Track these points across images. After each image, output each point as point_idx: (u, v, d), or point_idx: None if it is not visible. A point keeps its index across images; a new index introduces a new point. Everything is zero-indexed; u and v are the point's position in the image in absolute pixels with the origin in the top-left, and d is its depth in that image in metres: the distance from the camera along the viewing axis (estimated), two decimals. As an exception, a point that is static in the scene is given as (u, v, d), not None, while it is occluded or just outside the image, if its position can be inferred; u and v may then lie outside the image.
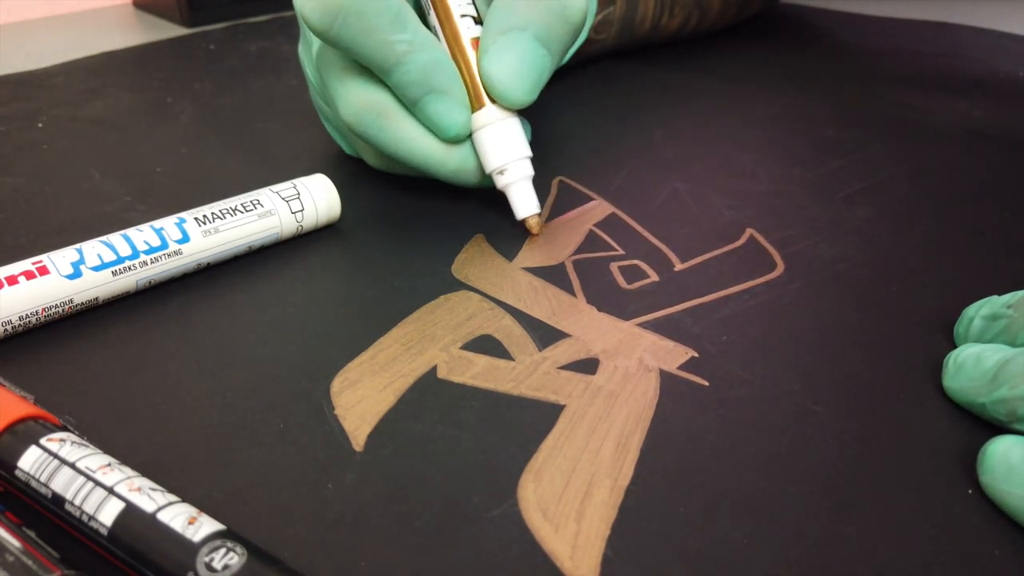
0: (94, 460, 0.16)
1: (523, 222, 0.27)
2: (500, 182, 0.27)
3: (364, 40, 0.24)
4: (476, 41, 0.26)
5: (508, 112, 0.26)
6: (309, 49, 0.30)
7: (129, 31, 0.55)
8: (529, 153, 0.27)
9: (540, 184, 0.32)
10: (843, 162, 0.34)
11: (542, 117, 0.39)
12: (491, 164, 0.26)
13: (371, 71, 0.26)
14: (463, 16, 0.27)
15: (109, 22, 0.57)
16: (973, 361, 0.20)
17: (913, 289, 0.25)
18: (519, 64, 0.25)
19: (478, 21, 0.27)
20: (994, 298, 0.22)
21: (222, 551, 0.15)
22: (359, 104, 0.26)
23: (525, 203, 0.27)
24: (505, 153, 0.26)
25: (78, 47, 0.49)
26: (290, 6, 0.58)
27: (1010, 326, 0.21)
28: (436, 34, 0.27)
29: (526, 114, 0.30)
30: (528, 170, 0.27)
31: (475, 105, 0.26)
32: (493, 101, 0.26)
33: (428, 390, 0.21)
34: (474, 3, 0.27)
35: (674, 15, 0.47)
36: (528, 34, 0.25)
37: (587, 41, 0.43)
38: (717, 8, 0.49)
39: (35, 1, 0.57)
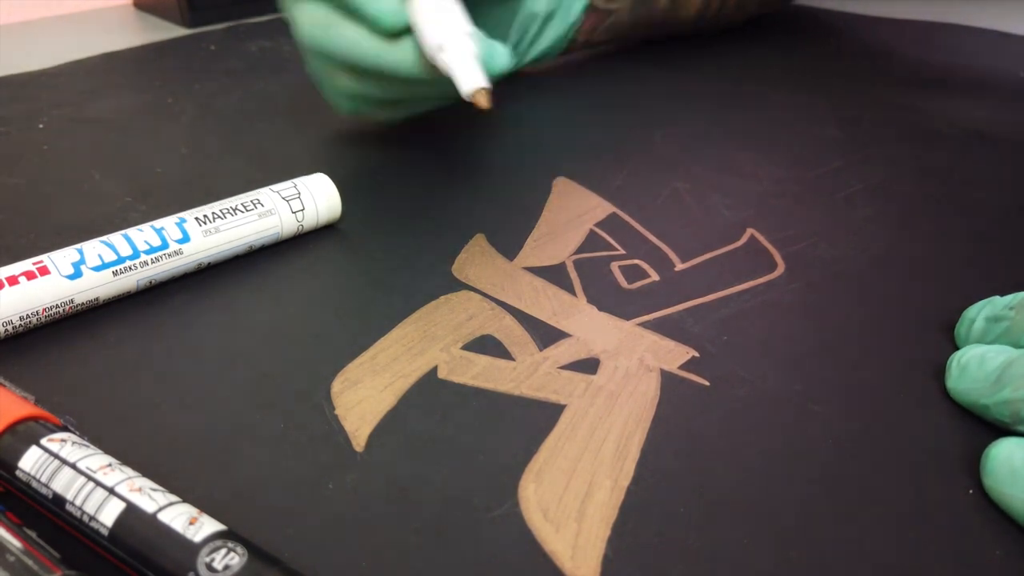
0: (95, 460, 0.16)
1: (471, 99, 0.25)
2: (441, 61, 0.26)
3: None
4: None
5: None
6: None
7: (130, 31, 0.55)
8: (467, 28, 0.26)
9: (540, 184, 0.32)
10: (843, 162, 0.34)
11: (543, 117, 0.39)
12: (428, 42, 0.25)
13: None
14: None
15: (110, 22, 0.57)
16: (977, 363, 0.20)
17: (913, 289, 0.25)
18: None
19: None
20: (995, 299, 0.22)
21: (223, 551, 0.15)
22: (310, 22, 0.28)
23: (467, 76, 0.25)
24: (440, 28, 0.25)
25: (79, 48, 0.49)
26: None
27: (1012, 328, 0.21)
28: None
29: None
30: (468, 46, 0.25)
31: None
32: None
33: (429, 390, 0.21)
34: None
35: None
36: None
37: (597, 11, 0.42)
38: None
39: (35, 1, 0.57)
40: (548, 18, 0.39)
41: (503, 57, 0.27)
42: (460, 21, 0.26)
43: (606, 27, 0.43)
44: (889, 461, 0.19)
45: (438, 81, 0.27)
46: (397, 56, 0.27)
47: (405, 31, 0.26)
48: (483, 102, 0.25)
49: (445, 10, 0.26)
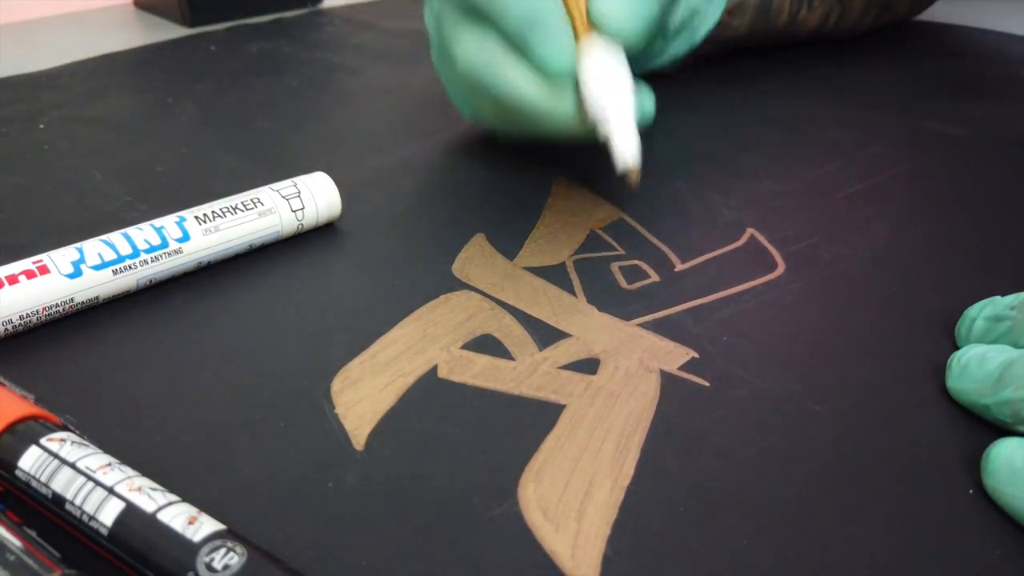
0: (94, 460, 0.16)
1: (623, 175, 0.25)
2: (604, 130, 0.25)
3: None
4: None
5: (616, 50, 0.25)
6: (432, 11, 0.31)
7: (130, 31, 0.55)
8: (631, 86, 0.25)
9: (540, 184, 0.32)
10: (844, 162, 0.34)
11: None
12: (594, 105, 0.25)
13: (483, 23, 0.26)
14: None
15: (110, 22, 0.57)
16: (977, 362, 0.20)
17: (914, 289, 0.25)
18: (626, 4, 0.25)
19: None
20: (996, 299, 0.22)
21: (222, 551, 0.15)
22: (472, 53, 0.27)
23: (628, 152, 0.25)
24: (609, 98, 0.25)
25: (79, 47, 0.49)
26: (290, 7, 0.58)
27: (1013, 328, 0.21)
28: None
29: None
30: (632, 120, 0.25)
31: (579, 35, 0.26)
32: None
33: (429, 389, 0.21)
34: None
35: (813, 8, 0.44)
36: None
37: (720, 26, 0.41)
38: (859, 6, 0.46)
39: (35, 1, 0.57)
40: (677, 32, 0.37)
41: (651, 102, 0.28)
42: (627, 88, 0.25)
43: (722, 40, 0.43)
44: (889, 461, 0.19)
45: (585, 136, 0.27)
46: (556, 106, 0.26)
47: (569, 80, 0.26)
48: (634, 180, 0.26)
49: (616, 74, 0.25)
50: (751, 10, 0.42)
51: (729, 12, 0.41)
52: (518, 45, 0.26)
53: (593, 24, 0.26)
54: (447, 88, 0.33)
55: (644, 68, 0.38)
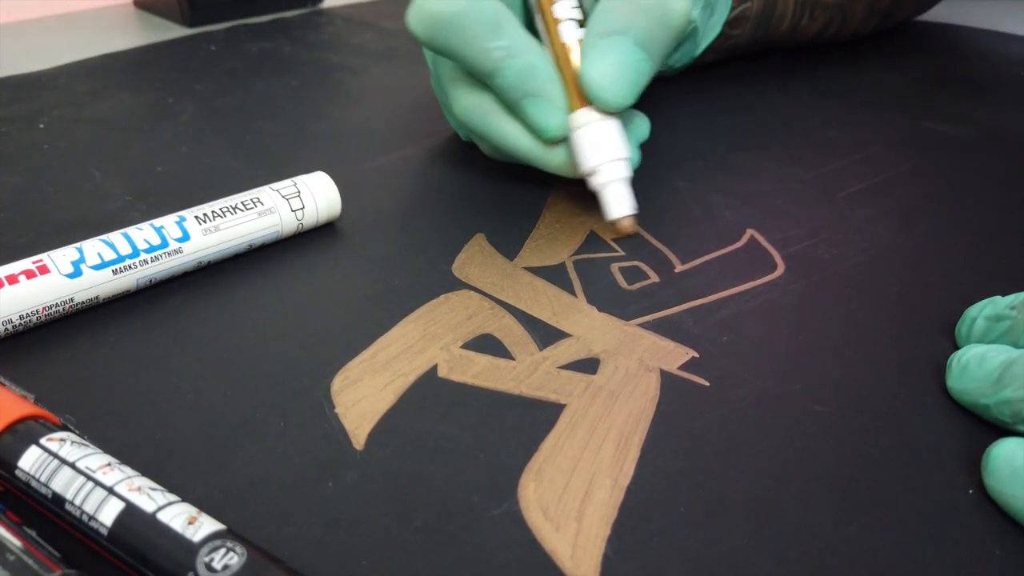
0: (94, 460, 0.16)
1: (614, 223, 0.26)
2: (592, 183, 0.26)
3: (464, 48, 0.26)
4: (575, 46, 0.26)
5: (606, 114, 0.26)
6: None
7: (130, 31, 0.55)
8: (624, 154, 0.26)
9: (541, 184, 0.32)
10: (844, 162, 0.34)
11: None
12: (584, 165, 0.26)
13: (478, 81, 0.27)
14: (567, 20, 0.27)
15: (110, 21, 0.57)
16: (977, 362, 0.20)
17: (914, 289, 0.25)
18: (617, 68, 0.25)
19: (583, 24, 0.27)
20: (997, 299, 0.22)
21: (222, 551, 0.15)
22: (467, 104, 0.28)
23: (615, 204, 0.26)
24: (597, 154, 0.26)
25: (79, 47, 0.49)
26: (290, 7, 0.58)
27: (1014, 328, 0.21)
28: (543, 37, 0.27)
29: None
30: (621, 171, 0.26)
31: (574, 105, 0.26)
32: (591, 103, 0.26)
33: (429, 389, 0.21)
34: (581, 5, 0.27)
35: (815, 17, 0.44)
36: (627, 38, 0.25)
37: (721, 36, 0.41)
38: (860, 15, 0.46)
39: (36, 1, 0.57)
40: (678, 47, 0.37)
41: (646, 127, 0.29)
42: (618, 147, 0.26)
43: (723, 48, 0.43)
44: (889, 461, 0.19)
45: (579, 177, 0.27)
46: (551, 159, 0.27)
47: (563, 139, 0.27)
48: (628, 228, 0.26)
49: (606, 136, 0.26)
50: (752, 20, 0.42)
51: (730, 23, 0.41)
52: (512, 109, 0.27)
53: (584, 93, 0.26)
54: (444, 112, 0.33)
55: None
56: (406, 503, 0.18)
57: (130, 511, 0.15)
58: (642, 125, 0.29)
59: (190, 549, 0.15)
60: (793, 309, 0.24)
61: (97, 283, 0.23)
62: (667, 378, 0.21)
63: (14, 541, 0.15)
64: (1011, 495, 0.17)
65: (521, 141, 0.27)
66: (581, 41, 0.26)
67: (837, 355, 0.22)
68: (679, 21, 0.26)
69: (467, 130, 0.29)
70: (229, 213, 0.25)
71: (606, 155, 0.25)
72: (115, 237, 0.23)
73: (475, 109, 0.28)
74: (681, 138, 0.36)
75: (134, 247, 0.23)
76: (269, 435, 0.19)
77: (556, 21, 0.27)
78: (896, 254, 0.27)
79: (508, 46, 0.25)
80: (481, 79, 0.27)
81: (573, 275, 0.26)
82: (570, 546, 0.17)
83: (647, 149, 0.35)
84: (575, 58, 0.26)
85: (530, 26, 0.28)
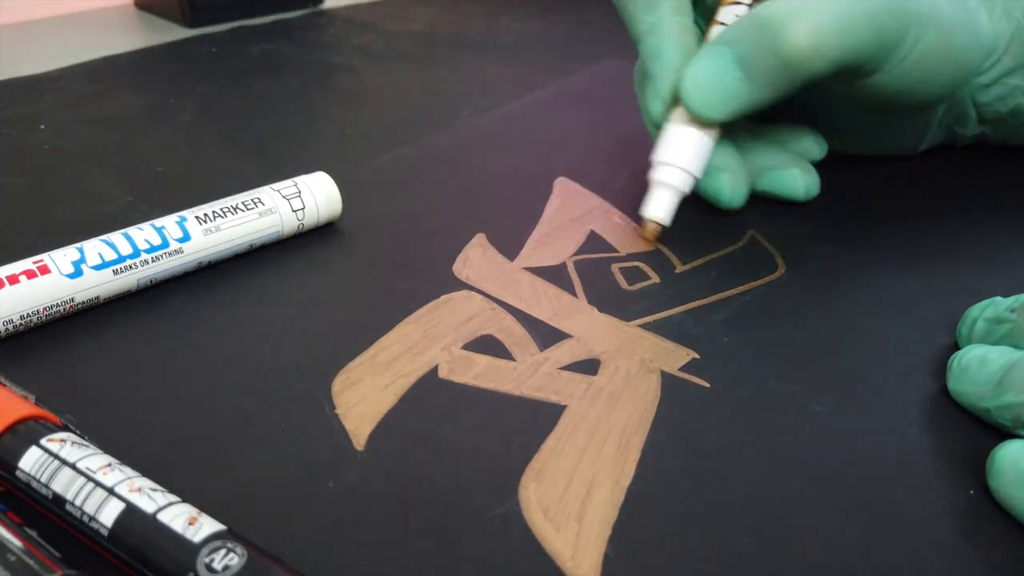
0: (94, 460, 0.16)
1: (641, 220, 0.27)
2: (651, 174, 0.27)
3: (629, 9, 0.27)
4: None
5: (703, 122, 0.26)
6: None
7: (130, 31, 0.55)
8: (691, 168, 0.26)
9: (541, 184, 0.32)
10: (843, 162, 0.34)
11: (545, 118, 0.39)
12: (655, 154, 0.27)
13: None
14: (734, 3, 0.27)
15: (110, 22, 0.57)
16: (977, 364, 0.20)
17: (914, 290, 0.25)
18: (707, 77, 0.25)
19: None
20: (998, 300, 0.22)
21: (222, 551, 0.15)
22: (638, 65, 0.29)
23: (654, 204, 0.27)
24: (668, 152, 0.26)
25: (79, 47, 0.49)
26: (291, 8, 0.58)
27: (1015, 331, 0.20)
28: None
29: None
30: (676, 179, 0.26)
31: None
32: None
33: (429, 390, 0.21)
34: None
35: None
36: (730, 52, 0.24)
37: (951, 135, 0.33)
38: None
39: (36, 1, 0.57)
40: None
41: (814, 182, 0.29)
42: (690, 157, 0.26)
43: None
44: (889, 461, 0.19)
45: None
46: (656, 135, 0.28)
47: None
48: (650, 234, 0.27)
49: (686, 141, 0.26)
50: None
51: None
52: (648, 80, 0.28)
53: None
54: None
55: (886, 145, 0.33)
56: (407, 504, 0.18)
57: (130, 512, 0.15)
58: (811, 179, 0.29)
59: (190, 550, 0.15)
60: (794, 310, 0.24)
61: (98, 283, 0.23)
62: (668, 379, 0.21)
63: (15, 541, 0.15)
64: (1017, 498, 0.17)
65: (651, 111, 0.28)
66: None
67: (837, 355, 0.22)
68: (791, 52, 0.23)
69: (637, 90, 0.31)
70: (230, 213, 0.25)
71: (675, 158, 0.26)
72: (116, 237, 0.23)
73: (638, 71, 0.30)
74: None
75: (135, 247, 0.23)
76: (270, 435, 0.19)
77: (716, 22, 0.27)
78: (897, 254, 0.27)
79: (652, 22, 0.27)
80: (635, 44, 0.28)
81: (573, 276, 0.26)
82: (571, 547, 0.17)
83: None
84: None
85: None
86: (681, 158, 0.26)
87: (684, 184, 0.26)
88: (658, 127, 0.27)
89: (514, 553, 0.16)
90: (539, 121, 0.38)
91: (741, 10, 0.27)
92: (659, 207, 0.26)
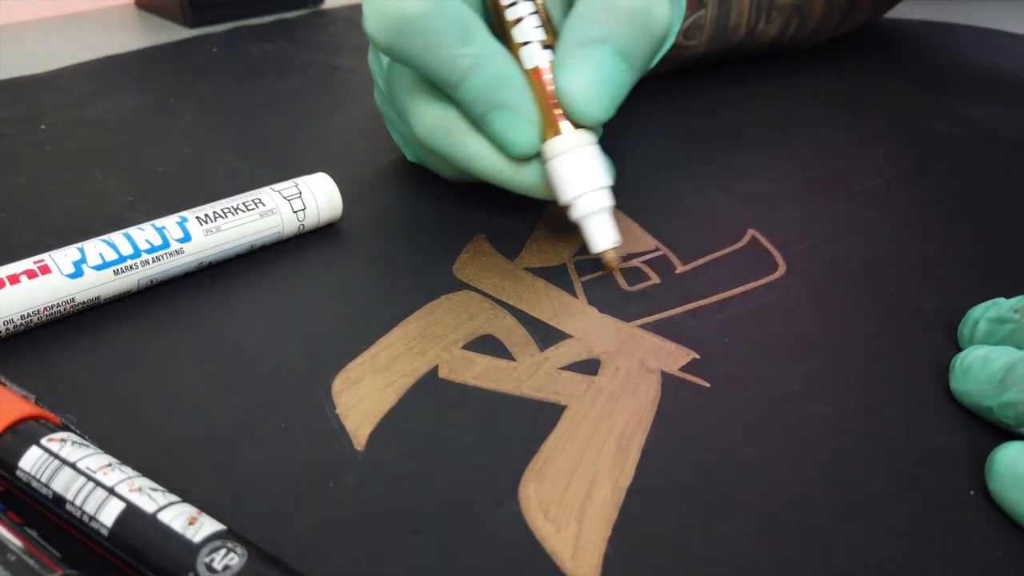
0: (95, 460, 0.16)
1: (599, 256, 0.25)
2: (572, 215, 0.24)
3: (429, 56, 0.23)
4: (545, 68, 0.24)
5: (585, 138, 0.24)
6: (379, 60, 0.29)
7: (131, 32, 0.55)
8: (605, 182, 0.24)
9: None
10: (845, 163, 0.34)
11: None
12: (563, 196, 0.24)
13: (439, 93, 0.25)
14: (531, 42, 0.24)
15: (111, 22, 0.57)
16: (980, 363, 0.20)
17: (915, 290, 0.25)
18: (597, 79, 0.23)
19: (547, 45, 0.24)
20: (1000, 300, 0.22)
21: (222, 551, 0.15)
22: (429, 121, 0.25)
23: (600, 237, 0.24)
24: (577, 185, 0.24)
25: (80, 47, 0.49)
26: (291, 7, 0.58)
27: (1017, 331, 0.20)
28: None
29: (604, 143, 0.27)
30: (603, 201, 0.24)
31: (548, 132, 0.24)
32: (568, 125, 0.24)
33: (429, 390, 0.21)
34: (544, 24, 0.25)
35: (771, 20, 0.42)
36: (608, 48, 0.23)
37: (676, 47, 0.40)
38: (819, 14, 0.44)
39: (37, 1, 0.57)
40: None
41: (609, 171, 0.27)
42: (598, 175, 0.24)
43: (678, 59, 0.42)
44: (890, 461, 0.19)
45: (549, 199, 0.26)
46: (521, 177, 0.25)
47: (534, 156, 0.25)
48: (613, 261, 0.25)
49: (585, 164, 0.24)
50: (708, 28, 0.41)
51: (685, 34, 0.40)
52: (479, 124, 0.24)
53: (559, 104, 0.24)
54: (389, 129, 0.32)
55: None
56: (407, 504, 0.18)
57: (131, 511, 0.15)
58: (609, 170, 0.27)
59: (191, 549, 0.15)
60: (794, 310, 0.24)
61: (98, 283, 0.23)
62: (668, 379, 0.21)
63: (15, 541, 0.15)
64: (1015, 501, 0.17)
65: (488, 159, 0.25)
66: (552, 62, 0.24)
67: (837, 355, 0.22)
68: (661, 29, 0.24)
69: (427, 150, 0.27)
70: (230, 214, 0.25)
71: (586, 185, 0.24)
72: (116, 237, 0.23)
73: (437, 127, 0.25)
74: (682, 139, 0.36)
75: (135, 247, 0.23)
76: (270, 435, 0.19)
77: (517, 47, 0.25)
78: (897, 254, 0.27)
79: (476, 54, 0.23)
80: (444, 90, 0.24)
81: (574, 276, 0.26)
82: (571, 547, 0.17)
83: (648, 148, 0.36)
84: (547, 75, 0.24)
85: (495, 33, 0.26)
86: (592, 180, 0.24)
87: (608, 198, 0.24)
88: (524, 155, 0.24)
89: (514, 553, 0.16)
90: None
91: (535, 21, 0.25)
92: (604, 236, 0.24)
